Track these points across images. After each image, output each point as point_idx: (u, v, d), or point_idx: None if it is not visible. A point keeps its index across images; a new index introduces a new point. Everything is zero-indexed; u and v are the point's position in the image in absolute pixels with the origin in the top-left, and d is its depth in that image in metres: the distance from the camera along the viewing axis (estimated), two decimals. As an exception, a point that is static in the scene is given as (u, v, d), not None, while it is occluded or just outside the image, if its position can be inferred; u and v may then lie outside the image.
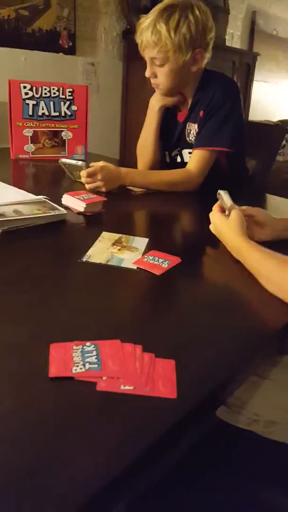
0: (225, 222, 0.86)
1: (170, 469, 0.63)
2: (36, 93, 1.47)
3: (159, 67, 1.22)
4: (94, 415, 0.44)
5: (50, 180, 1.46)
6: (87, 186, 1.21)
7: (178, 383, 0.49)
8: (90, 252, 0.82)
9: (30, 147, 1.53)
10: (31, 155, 1.54)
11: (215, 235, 0.90)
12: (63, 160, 1.27)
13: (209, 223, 0.92)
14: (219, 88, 1.26)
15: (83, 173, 1.19)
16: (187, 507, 0.61)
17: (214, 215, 0.90)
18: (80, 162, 1.24)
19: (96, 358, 0.51)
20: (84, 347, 0.52)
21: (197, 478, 0.64)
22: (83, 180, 1.21)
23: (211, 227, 0.91)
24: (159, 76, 1.24)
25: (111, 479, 0.38)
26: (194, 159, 1.30)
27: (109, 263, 0.79)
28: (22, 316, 0.60)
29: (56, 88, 1.50)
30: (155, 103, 1.36)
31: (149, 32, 1.15)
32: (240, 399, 0.72)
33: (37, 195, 1.05)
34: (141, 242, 0.89)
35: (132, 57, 2.58)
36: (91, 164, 1.21)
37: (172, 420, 0.44)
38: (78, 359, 0.50)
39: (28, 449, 0.39)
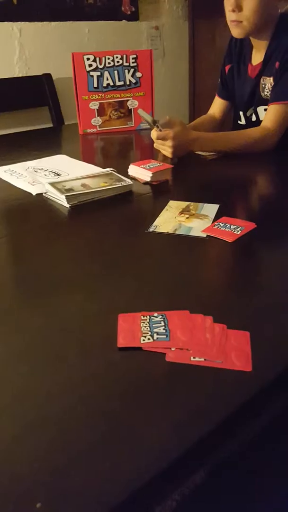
0: None
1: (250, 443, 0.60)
2: (100, 64, 1.45)
3: None
4: (163, 386, 0.43)
5: (118, 152, 1.45)
6: (155, 145, 1.19)
7: (253, 355, 0.46)
8: (157, 222, 0.80)
9: (97, 120, 1.52)
10: (98, 129, 1.53)
11: None
12: (140, 111, 1.26)
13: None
14: None
15: (154, 134, 1.17)
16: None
17: None
18: (149, 118, 1.20)
19: (164, 329, 0.49)
20: (152, 317, 0.51)
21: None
22: (153, 139, 1.19)
23: None
24: (245, 8, 1.11)
25: (178, 455, 0.36)
26: (270, 115, 1.19)
27: (176, 232, 0.76)
28: (91, 287, 0.60)
29: (119, 56, 1.46)
30: None
31: None
32: None
33: (105, 168, 1.04)
34: (211, 209, 0.84)
35: (197, 15, 2.43)
36: (167, 120, 1.17)
37: (248, 394, 0.42)
38: (146, 329, 0.49)
39: (95, 419, 0.39)
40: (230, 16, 1.14)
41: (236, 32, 1.17)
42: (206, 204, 0.87)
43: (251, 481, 0.61)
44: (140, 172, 1.03)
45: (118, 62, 1.46)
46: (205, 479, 0.58)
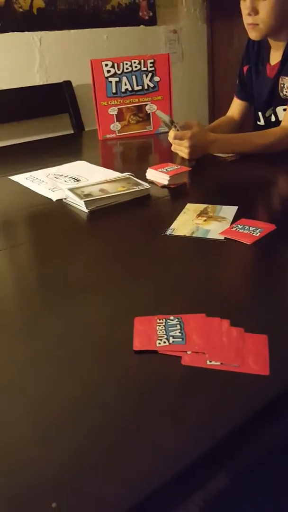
0: None
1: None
2: (118, 70, 1.46)
3: (262, 0, 1.09)
4: (178, 390, 0.43)
5: (136, 157, 1.46)
6: (172, 148, 1.20)
7: (271, 359, 0.45)
8: (174, 225, 0.80)
9: (116, 126, 1.54)
10: (117, 134, 1.55)
11: None
12: (158, 112, 1.29)
13: None
14: None
15: (171, 134, 1.17)
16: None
17: None
18: (167, 118, 1.21)
19: (180, 332, 0.49)
20: (168, 320, 0.51)
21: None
22: (170, 140, 1.20)
23: None
24: (262, 11, 1.11)
25: (193, 459, 0.36)
26: None
27: (194, 235, 0.75)
28: (109, 290, 0.61)
29: (137, 61, 1.47)
30: None
31: None
32: None
33: (124, 172, 1.05)
34: (229, 211, 0.84)
35: (216, 17, 2.42)
36: (184, 122, 1.18)
37: (264, 399, 0.41)
38: (162, 332, 0.49)
39: (111, 422, 0.40)
40: (246, 19, 1.15)
41: (253, 34, 1.17)
42: (224, 206, 0.86)
43: (275, 487, 0.60)
44: (158, 175, 1.03)
45: (136, 67, 1.47)
46: (228, 485, 0.58)
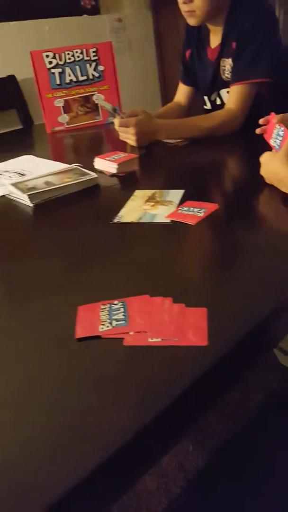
0: (273, 155, 0.78)
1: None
2: (60, 60, 1.44)
3: None
4: (120, 370, 0.43)
5: (87, 148, 1.44)
6: (119, 136, 1.20)
7: (210, 330, 0.46)
8: (121, 212, 0.80)
9: (64, 118, 1.51)
10: (66, 126, 1.53)
11: (266, 180, 0.81)
12: (100, 101, 1.28)
13: (258, 166, 0.83)
14: (251, 14, 1.12)
15: (116, 121, 1.18)
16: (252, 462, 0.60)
17: (262, 156, 0.81)
18: (109, 106, 1.21)
19: (123, 315, 0.49)
20: (112, 305, 0.51)
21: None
22: (116, 128, 1.20)
23: (261, 171, 0.82)
24: None
25: (138, 431, 0.37)
26: (232, 96, 1.20)
27: (141, 221, 0.76)
28: (55, 283, 0.61)
29: (79, 51, 1.45)
30: None
31: None
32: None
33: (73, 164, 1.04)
34: (176, 195, 0.85)
35: (161, 3, 2.42)
36: (130, 110, 1.18)
37: (203, 367, 0.42)
38: (105, 317, 0.49)
39: (53, 409, 0.40)
40: (182, 7, 1.15)
41: (191, 21, 1.18)
42: (171, 191, 0.87)
43: (248, 464, 0.62)
44: (106, 164, 1.02)
45: (78, 56, 1.45)
46: (208, 465, 0.59)
